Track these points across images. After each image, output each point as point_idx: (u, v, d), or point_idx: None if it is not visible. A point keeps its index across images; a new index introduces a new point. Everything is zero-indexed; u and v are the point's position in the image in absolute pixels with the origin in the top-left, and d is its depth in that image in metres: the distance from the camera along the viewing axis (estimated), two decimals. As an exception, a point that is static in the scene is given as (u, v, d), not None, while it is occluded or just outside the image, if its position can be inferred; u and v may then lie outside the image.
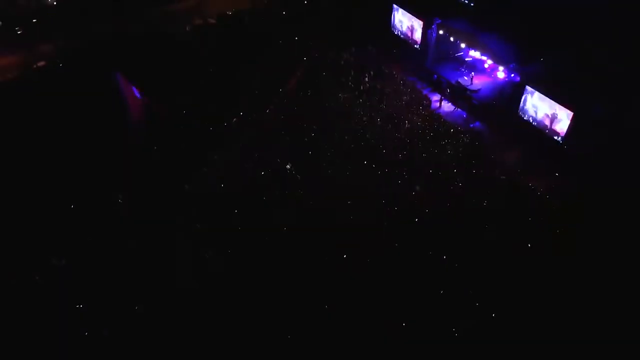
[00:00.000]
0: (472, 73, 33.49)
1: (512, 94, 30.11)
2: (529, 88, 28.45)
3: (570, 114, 26.40)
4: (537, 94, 28.03)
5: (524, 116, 29.29)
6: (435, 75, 34.40)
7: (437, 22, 33.77)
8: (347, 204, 22.91)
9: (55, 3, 42.41)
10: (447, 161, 25.90)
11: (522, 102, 29.10)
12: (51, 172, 23.66)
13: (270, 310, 18.54)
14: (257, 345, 17.60)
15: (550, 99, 27.28)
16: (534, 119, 28.74)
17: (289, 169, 24.87)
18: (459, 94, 32.74)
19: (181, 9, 42.85)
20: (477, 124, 30.72)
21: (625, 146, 24.45)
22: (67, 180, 23.30)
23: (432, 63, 35.35)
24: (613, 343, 17.50)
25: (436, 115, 30.63)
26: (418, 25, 35.56)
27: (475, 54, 32.60)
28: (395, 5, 37.36)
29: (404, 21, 37.03)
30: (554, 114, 27.36)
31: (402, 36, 37.89)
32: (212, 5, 42.45)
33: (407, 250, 20.78)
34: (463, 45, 33.30)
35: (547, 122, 27.95)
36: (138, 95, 25.80)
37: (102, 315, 18.38)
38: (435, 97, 33.07)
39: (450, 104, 32.70)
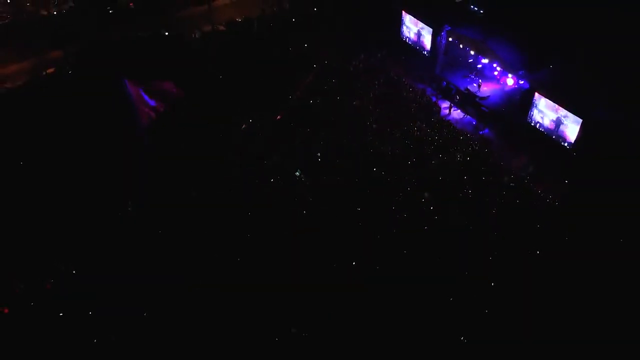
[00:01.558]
0: (480, 80, 33.42)
1: (521, 101, 30.03)
2: (537, 95, 28.35)
3: (579, 120, 26.27)
4: (546, 100, 27.93)
5: (533, 123, 29.19)
6: (445, 82, 34.40)
7: (447, 29, 33.80)
8: (356, 211, 22.86)
9: (55, 12, 42.88)
10: (457, 168, 25.83)
11: (531, 109, 29.01)
12: (58, 176, 23.89)
13: (276, 314, 18.52)
14: (261, 347, 17.61)
15: (560, 105, 27.18)
16: (543, 126, 28.65)
17: (298, 176, 24.84)
18: (468, 101, 32.70)
19: (191, 16, 43.23)
20: (487, 131, 30.63)
21: (634, 151, 24.30)
22: (73, 183, 23.50)
23: (441, 70, 35.36)
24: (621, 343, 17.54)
25: (445, 122, 30.62)
26: (427, 32, 35.66)
27: (484, 61, 32.58)
28: (404, 12, 37.41)
29: (413, 28, 37.13)
30: (562, 120, 27.26)
31: (411, 43, 37.97)
32: (221, 12, 42.83)
33: (416, 257, 20.70)
34: (472, 52, 33.26)
35: (556, 129, 27.84)
36: (148, 99, 25.88)
37: (107, 319, 18.42)
38: (445, 104, 33.04)
39: (459, 111, 32.65)
